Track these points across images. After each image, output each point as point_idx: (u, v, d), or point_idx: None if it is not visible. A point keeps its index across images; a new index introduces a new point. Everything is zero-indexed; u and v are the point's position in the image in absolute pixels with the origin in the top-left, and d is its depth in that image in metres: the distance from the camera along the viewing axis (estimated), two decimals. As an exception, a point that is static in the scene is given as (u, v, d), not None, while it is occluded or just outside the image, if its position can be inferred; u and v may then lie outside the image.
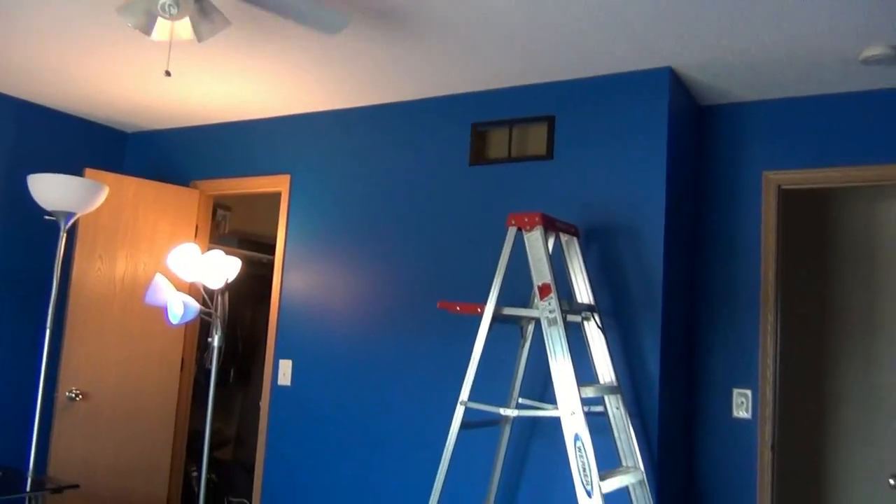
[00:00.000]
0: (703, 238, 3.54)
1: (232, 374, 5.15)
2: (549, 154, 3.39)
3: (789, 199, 4.37)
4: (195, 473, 4.59)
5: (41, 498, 3.08)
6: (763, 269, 3.37)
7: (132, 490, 4.07)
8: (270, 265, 4.62)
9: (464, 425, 2.84)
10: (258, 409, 4.18)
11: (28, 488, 3.06)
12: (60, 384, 3.89)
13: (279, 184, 4.16)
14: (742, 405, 3.35)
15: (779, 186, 3.40)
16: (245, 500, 4.71)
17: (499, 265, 2.86)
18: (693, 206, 3.56)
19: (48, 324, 3.56)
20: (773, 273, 3.35)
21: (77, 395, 3.92)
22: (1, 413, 4.07)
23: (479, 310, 2.87)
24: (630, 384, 3.11)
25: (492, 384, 3.35)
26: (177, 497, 4.30)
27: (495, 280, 2.84)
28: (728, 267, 3.46)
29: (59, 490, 3.09)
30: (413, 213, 3.71)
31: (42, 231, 4.24)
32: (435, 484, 2.85)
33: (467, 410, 2.84)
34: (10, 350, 4.12)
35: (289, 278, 4.05)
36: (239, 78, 3.64)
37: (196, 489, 4.47)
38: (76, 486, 3.11)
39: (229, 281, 3.93)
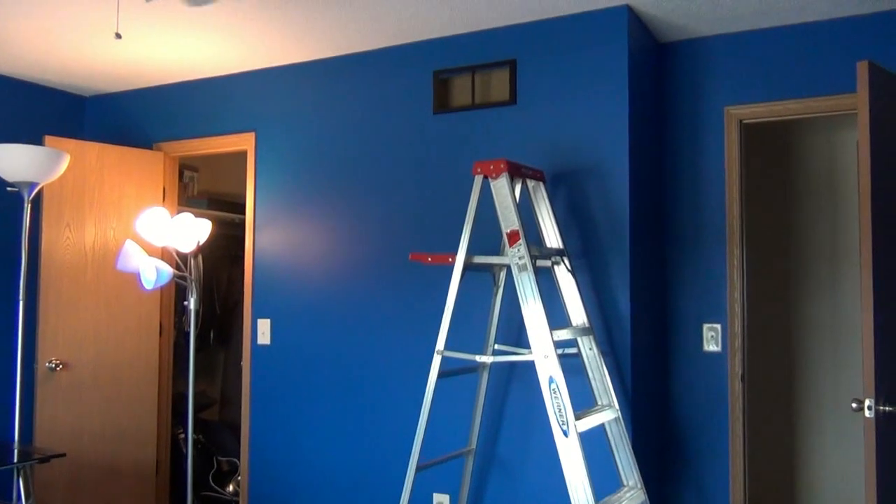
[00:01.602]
0: (668, 176, 3.57)
1: (212, 335, 5.17)
2: (513, 99, 3.38)
3: (751, 133, 4.41)
4: (182, 436, 4.65)
5: (29, 468, 3.11)
6: (728, 204, 3.41)
7: (120, 455, 4.12)
8: (243, 225, 4.60)
9: (442, 374, 2.89)
10: (241, 369, 4.22)
11: (15, 459, 3.08)
12: (39, 355, 3.89)
13: (244, 142, 4.12)
14: (712, 339, 3.43)
15: (740, 121, 3.42)
16: (234, 460, 4.78)
17: (468, 214, 2.87)
18: (656, 144, 3.58)
19: (20, 296, 3.55)
20: (738, 207, 3.39)
21: (57, 366, 3.92)
22: (-19, 387, 4.07)
23: (450, 259, 2.90)
24: (602, 324, 3.17)
25: (468, 333, 3.41)
26: (166, 460, 4.36)
27: (465, 229, 2.85)
28: (693, 203, 3.50)
29: (46, 459, 3.12)
30: (380, 164, 3.70)
31: (5, 203, 4.19)
32: (417, 432, 2.92)
33: (444, 359, 2.89)
34: (-16, 325, 4.10)
35: (261, 237, 4.04)
36: (193, 34, 3.56)
37: (184, 451, 4.54)
38: (63, 455, 3.14)
39: (201, 243, 3.91)
